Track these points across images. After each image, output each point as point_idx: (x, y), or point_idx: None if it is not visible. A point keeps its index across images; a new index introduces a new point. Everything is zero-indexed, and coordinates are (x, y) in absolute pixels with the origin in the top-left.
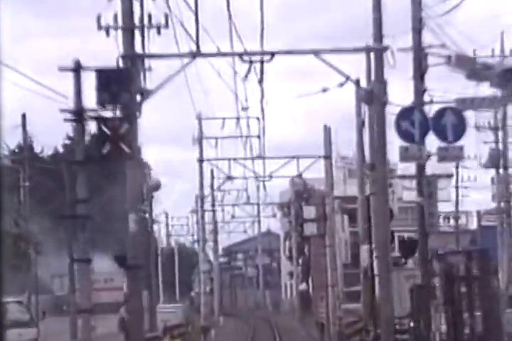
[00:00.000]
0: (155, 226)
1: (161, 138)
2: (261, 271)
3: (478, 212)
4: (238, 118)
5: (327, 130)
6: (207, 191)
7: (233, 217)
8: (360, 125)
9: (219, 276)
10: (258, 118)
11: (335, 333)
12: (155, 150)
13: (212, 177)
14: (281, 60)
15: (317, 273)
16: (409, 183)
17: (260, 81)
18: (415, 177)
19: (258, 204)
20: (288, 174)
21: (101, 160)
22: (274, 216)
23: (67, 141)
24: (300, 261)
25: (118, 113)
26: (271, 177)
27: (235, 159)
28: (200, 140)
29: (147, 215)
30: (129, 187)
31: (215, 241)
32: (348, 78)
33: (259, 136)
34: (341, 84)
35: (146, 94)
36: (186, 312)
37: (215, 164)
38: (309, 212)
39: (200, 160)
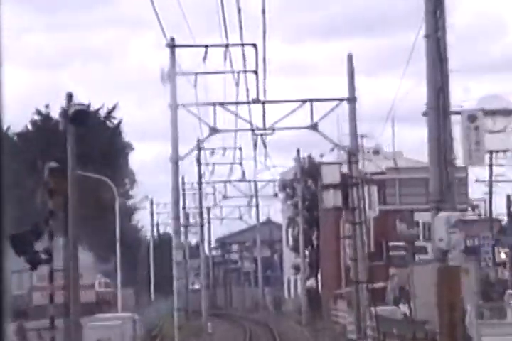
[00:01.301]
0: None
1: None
2: (260, 265)
3: (509, 197)
4: (227, 46)
5: (351, 63)
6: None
7: (225, 197)
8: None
9: (207, 270)
10: (255, 45)
11: None
12: (152, 148)
13: (199, 149)
14: None
15: (329, 265)
16: None
17: None
18: None
19: (255, 182)
20: (297, 124)
21: None
22: (276, 195)
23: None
24: (307, 252)
25: None
26: (273, 129)
27: (222, 104)
28: (172, 75)
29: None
30: None
31: (202, 227)
32: None
33: (256, 72)
34: None
35: None
36: (149, 322)
37: (196, 114)
38: (330, 173)
39: (174, 106)
